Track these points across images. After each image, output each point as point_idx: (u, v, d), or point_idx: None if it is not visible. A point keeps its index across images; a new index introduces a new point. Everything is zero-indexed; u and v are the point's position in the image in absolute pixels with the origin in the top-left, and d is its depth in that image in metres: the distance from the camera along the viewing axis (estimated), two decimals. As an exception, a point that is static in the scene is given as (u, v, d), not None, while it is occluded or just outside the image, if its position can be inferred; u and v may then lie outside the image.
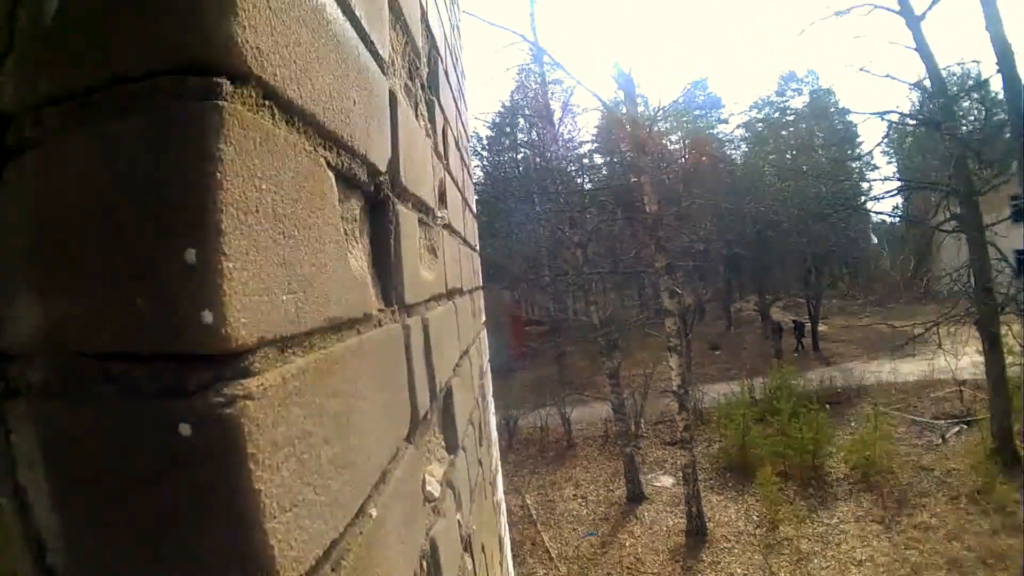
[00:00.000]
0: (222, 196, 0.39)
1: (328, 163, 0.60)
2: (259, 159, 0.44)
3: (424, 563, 0.91)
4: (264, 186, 0.44)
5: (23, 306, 0.44)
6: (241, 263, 0.41)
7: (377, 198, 0.82)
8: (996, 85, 15.64)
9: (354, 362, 0.62)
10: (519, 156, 37.93)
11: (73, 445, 0.41)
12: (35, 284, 0.43)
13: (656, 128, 16.62)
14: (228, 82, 0.42)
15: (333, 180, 0.61)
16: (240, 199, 0.41)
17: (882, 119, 14.76)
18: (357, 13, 0.70)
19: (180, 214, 0.39)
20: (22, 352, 0.44)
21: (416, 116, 1.18)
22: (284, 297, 0.46)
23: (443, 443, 1.26)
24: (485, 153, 40.28)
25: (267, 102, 0.47)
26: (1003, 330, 13.92)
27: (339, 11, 0.63)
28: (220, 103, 0.40)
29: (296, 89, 0.51)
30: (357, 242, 0.73)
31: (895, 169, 34.76)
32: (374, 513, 0.65)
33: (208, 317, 0.38)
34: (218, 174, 0.39)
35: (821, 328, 28.69)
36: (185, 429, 0.38)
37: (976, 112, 19.46)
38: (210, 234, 0.39)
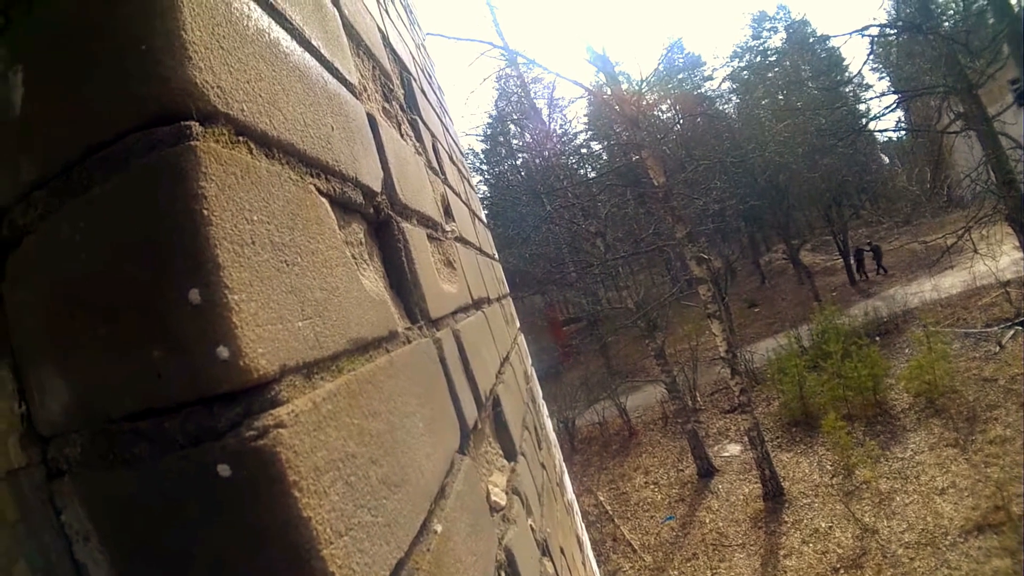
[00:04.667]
0: (213, 231, 0.39)
1: (319, 189, 0.60)
2: (244, 192, 0.44)
3: (502, 573, 0.90)
4: (255, 217, 0.44)
5: (51, 388, 0.44)
6: (247, 294, 0.40)
7: (379, 219, 0.82)
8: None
9: (388, 381, 0.62)
10: (518, 162, 37.99)
11: (121, 512, 0.41)
12: (58, 364, 0.44)
13: (644, 101, 16.51)
14: (197, 123, 0.42)
15: (327, 205, 0.61)
16: (233, 232, 0.41)
17: (863, 36, 14.39)
18: (314, 43, 0.71)
19: (176, 258, 0.39)
20: (57, 432, 0.45)
21: (402, 136, 1.18)
22: (299, 324, 0.46)
23: (500, 451, 1.25)
24: (485, 167, 40.42)
25: (241, 137, 0.46)
26: (1037, 219, 13.40)
27: (295, 43, 0.64)
28: (192, 143, 0.40)
29: (268, 121, 0.51)
30: (368, 264, 0.73)
31: (888, 83, 33.96)
32: (439, 528, 0.64)
33: (224, 352, 0.38)
34: (204, 211, 0.39)
35: (854, 262, 28.28)
36: (224, 470, 0.38)
37: (955, 5, 18.97)
38: (209, 271, 0.38)
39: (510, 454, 1.30)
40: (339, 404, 0.48)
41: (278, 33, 0.60)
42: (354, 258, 0.66)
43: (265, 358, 0.40)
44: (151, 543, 0.41)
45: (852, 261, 27.83)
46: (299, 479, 0.39)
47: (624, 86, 17.56)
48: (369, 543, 0.46)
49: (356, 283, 0.62)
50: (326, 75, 0.72)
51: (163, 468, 0.40)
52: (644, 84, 16.46)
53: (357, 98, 0.87)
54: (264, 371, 0.40)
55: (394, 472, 0.55)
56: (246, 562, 0.39)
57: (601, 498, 17.06)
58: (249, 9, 0.54)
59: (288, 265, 0.47)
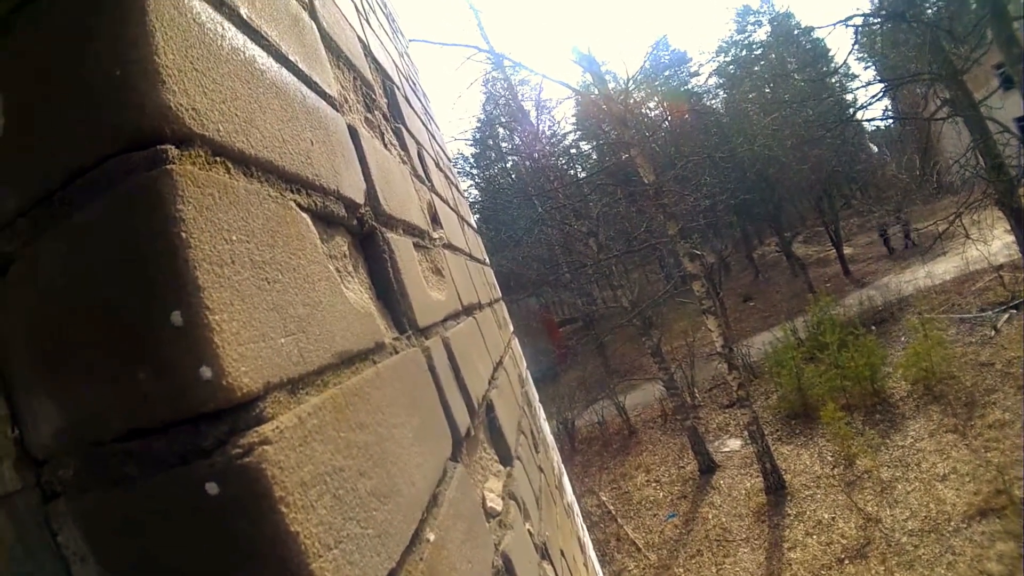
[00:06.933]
0: (192, 253, 0.40)
1: (299, 205, 0.60)
2: (223, 212, 0.44)
3: (500, 578, 0.90)
4: (235, 237, 0.45)
5: (43, 412, 0.45)
6: (228, 314, 0.41)
7: (363, 231, 0.83)
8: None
9: (375, 392, 0.63)
10: (508, 165, 38.06)
11: (116, 531, 0.42)
12: (49, 388, 0.44)
13: (632, 100, 16.55)
14: (173, 147, 0.42)
15: (309, 220, 0.61)
16: (212, 253, 0.42)
17: (847, 26, 14.38)
18: (292, 58, 0.71)
19: (157, 281, 0.39)
20: (51, 455, 0.45)
21: (385, 145, 1.19)
22: (282, 340, 0.47)
23: (495, 457, 1.26)
24: (475, 171, 40.50)
25: (218, 158, 0.47)
26: (1026, 202, 13.37)
27: (271, 60, 0.64)
28: (168, 167, 0.41)
29: (245, 140, 0.51)
30: (352, 276, 0.73)
31: (874, 72, 34.12)
32: (431, 537, 0.64)
33: (207, 372, 0.38)
34: (183, 233, 0.40)
35: (847, 251, 28.36)
36: (212, 488, 0.38)
37: (936, -9, 19.02)
38: (190, 292, 0.39)
39: (505, 459, 1.30)
40: (325, 418, 0.49)
41: (253, 51, 0.60)
42: (338, 271, 0.67)
43: (248, 376, 0.41)
44: (145, 562, 0.41)
45: (879, 238, 27.91)
46: (286, 495, 0.40)
47: (611, 85, 17.60)
48: (359, 555, 0.47)
49: (340, 296, 0.63)
50: (304, 89, 0.73)
51: (154, 487, 0.40)
52: (631, 83, 16.48)
53: (337, 110, 0.87)
54: (248, 389, 0.40)
55: (383, 483, 0.56)
56: (238, 579, 0.39)
57: (603, 498, 17.06)
58: (223, 28, 0.54)
59: (269, 282, 0.48)
